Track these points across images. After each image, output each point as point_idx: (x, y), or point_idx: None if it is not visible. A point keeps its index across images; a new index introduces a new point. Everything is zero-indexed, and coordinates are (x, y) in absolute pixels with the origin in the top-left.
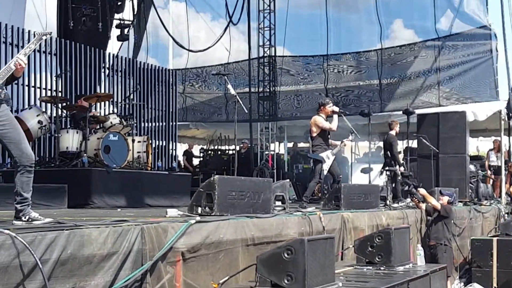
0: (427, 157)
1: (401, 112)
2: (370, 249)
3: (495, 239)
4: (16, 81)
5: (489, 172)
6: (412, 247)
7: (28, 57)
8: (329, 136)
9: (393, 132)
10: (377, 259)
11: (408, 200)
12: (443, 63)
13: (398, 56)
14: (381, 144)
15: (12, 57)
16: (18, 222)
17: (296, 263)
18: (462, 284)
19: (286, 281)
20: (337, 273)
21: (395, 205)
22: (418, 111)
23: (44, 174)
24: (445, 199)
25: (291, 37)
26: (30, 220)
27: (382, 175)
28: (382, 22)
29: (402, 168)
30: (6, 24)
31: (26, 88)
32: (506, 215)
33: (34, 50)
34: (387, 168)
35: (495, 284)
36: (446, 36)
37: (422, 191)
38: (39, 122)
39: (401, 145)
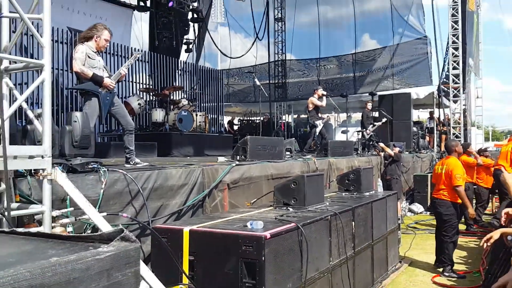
0: (385, 123)
1: (367, 94)
2: (347, 181)
3: (429, 175)
4: (121, 81)
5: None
6: (375, 180)
7: (131, 65)
8: (319, 110)
9: (366, 109)
10: (351, 188)
11: (372, 150)
12: (396, 61)
13: (366, 57)
14: (354, 115)
15: (118, 65)
16: (127, 165)
17: (299, 190)
18: (408, 203)
19: (293, 201)
20: (325, 197)
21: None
22: (379, 93)
23: (142, 136)
24: (397, 149)
25: (296, 47)
26: (134, 163)
27: (358, 134)
28: (356, 36)
29: (369, 130)
30: (118, 44)
31: (131, 83)
32: (436, 159)
33: (136, 60)
34: (359, 130)
35: (428, 204)
36: (398, 43)
37: (382, 144)
38: (139, 104)
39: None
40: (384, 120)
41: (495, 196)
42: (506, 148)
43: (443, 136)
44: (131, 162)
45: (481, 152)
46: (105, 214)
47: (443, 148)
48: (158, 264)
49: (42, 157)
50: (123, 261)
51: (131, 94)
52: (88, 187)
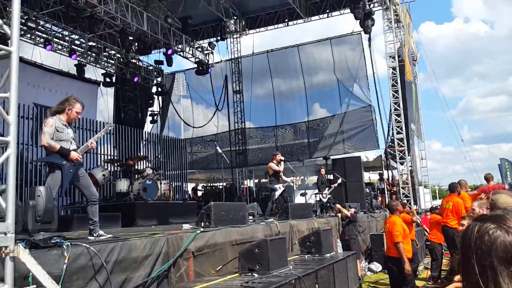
0: (339, 185)
1: (322, 158)
2: (308, 243)
3: (384, 233)
4: (89, 152)
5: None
6: (334, 241)
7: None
8: (280, 174)
9: (320, 174)
10: (313, 249)
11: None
12: (345, 128)
13: (318, 125)
14: (311, 178)
15: (86, 138)
16: (91, 238)
17: (263, 255)
18: (367, 262)
19: (257, 267)
20: (289, 260)
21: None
22: (332, 157)
23: (106, 207)
24: (352, 210)
25: (254, 116)
26: (98, 235)
27: (316, 197)
28: (308, 105)
29: (325, 193)
30: (83, 118)
31: (95, 155)
32: None
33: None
34: (316, 193)
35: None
36: (345, 112)
37: (338, 205)
38: (103, 175)
39: (325, 178)
40: (339, 181)
41: (446, 252)
42: (447, 205)
43: (394, 196)
44: (94, 234)
45: (433, 210)
46: None
47: None
48: None
49: (5, 233)
50: None
51: (95, 166)
52: (51, 263)
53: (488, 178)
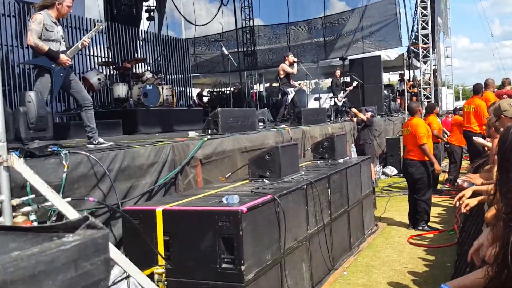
0: (355, 87)
1: (338, 59)
2: (321, 149)
3: (401, 137)
4: (81, 53)
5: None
6: (348, 146)
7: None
8: (291, 77)
9: (335, 76)
10: (326, 155)
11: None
12: (365, 24)
13: (335, 21)
14: (326, 81)
15: (75, 38)
16: (90, 146)
17: (274, 161)
18: (381, 167)
19: (268, 173)
20: (301, 166)
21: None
22: (350, 57)
23: (104, 113)
24: (369, 114)
25: (263, 12)
26: (98, 143)
27: (331, 101)
28: None
29: (340, 96)
30: (70, 14)
31: (88, 57)
32: None
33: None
34: (331, 96)
35: (401, 166)
36: (366, 5)
37: (354, 109)
38: (99, 79)
39: (340, 80)
40: (355, 83)
41: (465, 155)
42: (469, 108)
43: (414, 98)
44: (94, 142)
45: (456, 111)
46: (69, 199)
47: None
48: (131, 248)
49: None
50: (90, 249)
51: (88, 69)
52: (49, 172)
53: (504, 82)
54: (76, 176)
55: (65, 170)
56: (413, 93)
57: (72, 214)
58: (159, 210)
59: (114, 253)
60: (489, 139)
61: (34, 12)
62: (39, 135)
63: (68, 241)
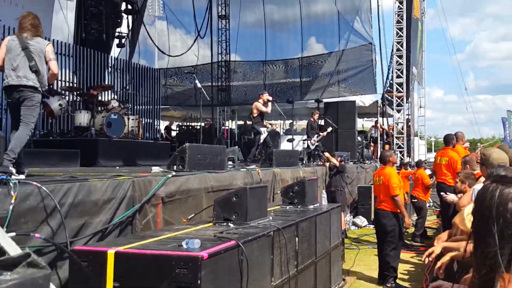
0: (329, 133)
1: (313, 101)
2: (291, 194)
3: (372, 186)
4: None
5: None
6: (319, 192)
7: None
8: (265, 116)
9: (311, 118)
10: (296, 200)
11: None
12: (341, 68)
13: (312, 62)
14: (300, 122)
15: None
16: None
17: (241, 204)
18: (352, 216)
19: (234, 216)
20: (269, 210)
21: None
22: (325, 100)
23: (63, 142)
24: (340, 158)
25: (241, 47)
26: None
27: (304, 143)
28: (303, 39)
29: (314, 140)
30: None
31: None
32: None
33: (57, 53)
34: (304, 139)
35: (372, 217)
36: (344, 49)
37: (327, 154)
38: (60, 105)
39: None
40: (329, 129)
41: (436, 209)
42: (442, 160)
43: (387, 146)
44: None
45: (421, 164)
46: (13, 234)
47: None
48: None
49: None
50: None
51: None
52: None
53: (458, 136)
54: (24, 208)
55: (13, 201)
56: (386, 141)
57: (13, 251)
58: (111, 252)
59: None
60: (458, 195)
61: (39, 36)
62: None
63: (5, 279)
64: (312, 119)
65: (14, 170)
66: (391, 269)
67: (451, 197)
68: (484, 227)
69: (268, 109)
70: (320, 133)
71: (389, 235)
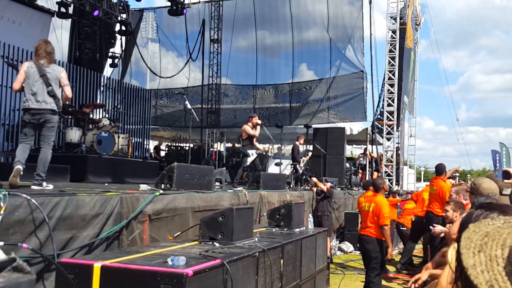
0: (318, 157)
1: (303, 126)
2: (277, 216)
3: (356, 212)
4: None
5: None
6: (306, 216)
7: None
8: (254, 140)
9: (297, 143)
10: (282, 223)
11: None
12: (332, 94)
13: (302, 88)
14: (289, 147)
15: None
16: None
17: (227, 224)
18: (338, 241)
19: (220, 236)
20: (255, 232)
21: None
22: (314, 126)
23: (53, 157)
24: (329, 184)
25: (232, 71)
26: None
27: (291, 167)
28: (294, 65)
29: (301, 164)
30: (31, 52)
31: None
32: None
33: None
34: (292, 163)
35: (357, 244)
36: (335, 76)
37: (314, 179)
38: None
39: (302, 148)
40: (310, 154)
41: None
42: (431, 189)
43: (376, 174)
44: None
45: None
46: (1, 243)
47: None
48: None
49: None
50: None
51: None
52: None
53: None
54: (13, 220)
55: (2, 212)
56: (375, 169)
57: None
58: (97, 265)
59: None
60: (447, 226)
61: (53, 63)
62: None
63: None
64: (298, 143)
65: (51, 186)
66: None
67: (439, 228)
68: None
69: (257, 132)
70: (303, 158)
71: (373, 262)
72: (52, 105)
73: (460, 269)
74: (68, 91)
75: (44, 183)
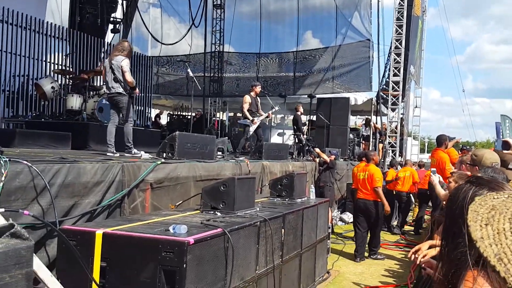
0: (322, 127)
1: (306, 96)
2: (279, 186)
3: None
4: (36, 58)
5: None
6: (308, 187)
7: (46, 40)
8: (257, 107)
9: (298, 112)
10: (283, 193)
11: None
12: (337, 63)
13: (307, 57)
14: (292, 116)
15: (32, 40)
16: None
17: (228, 193)
18: (339, 212)
19: (221, 205)
20: (256, 202)
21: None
22: (318, 96)
23: (54, 125)
24: (333, 156)
25: (235, 38)
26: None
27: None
28: (299, 32)
29: (304, 135)
30: (31, 16)
31: (44, 63)
32: None
33: (51, 36)
34: (295, 133)
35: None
36: (340, 44)
37: (317, 149)
38: (52, 87)
39: (305, 118)
40: (304, 128)
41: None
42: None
43: (380, 145)
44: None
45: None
46: (2, 210)
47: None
48: (64, 271)
49: None
50: (11, 260)
51: (43, 75)
52: None
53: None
54: (14, 187)
55: (3, 179)
56: (379, 140)
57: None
58: (99, 232)
59: (44, 273)
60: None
61: (124, 58)
62: None
63: None
64: (299, 113)
65: (142, 153)
66: (379, 245)
67: (435, 177)
68: (455, 227)
69: (258, 102)
70: (303, 128)
71: (378, 218)
72: (118, 89)
73: (468, 241)
74: (127, 77)
75: (133, 150)
